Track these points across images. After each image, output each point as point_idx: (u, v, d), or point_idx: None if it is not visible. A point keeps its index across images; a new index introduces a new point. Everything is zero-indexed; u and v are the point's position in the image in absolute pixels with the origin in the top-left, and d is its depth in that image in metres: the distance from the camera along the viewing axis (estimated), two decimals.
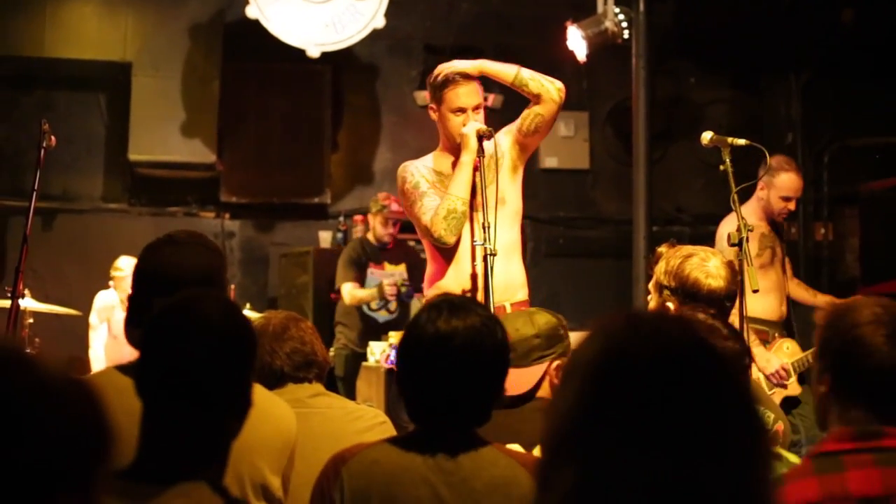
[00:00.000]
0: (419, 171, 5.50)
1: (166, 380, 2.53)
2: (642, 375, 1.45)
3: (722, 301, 4.20)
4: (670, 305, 4.18)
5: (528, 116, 5.55)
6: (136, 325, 3.13)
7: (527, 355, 3.83)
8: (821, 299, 7.36)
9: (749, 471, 1.46)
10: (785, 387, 6.47)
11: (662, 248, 4.39)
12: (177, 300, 2.68)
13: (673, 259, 4.25)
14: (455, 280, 5.37)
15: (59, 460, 1.54)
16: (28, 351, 1.71)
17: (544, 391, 3.85)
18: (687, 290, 4.16)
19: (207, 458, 2.53)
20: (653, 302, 4.31)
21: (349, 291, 8.95)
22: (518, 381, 3.74)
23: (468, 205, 5.33)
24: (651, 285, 4.37)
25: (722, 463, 1.43)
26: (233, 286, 9.81)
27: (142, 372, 2.58)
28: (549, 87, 5.51)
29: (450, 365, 2.92)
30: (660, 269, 4.28)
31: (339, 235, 10.43)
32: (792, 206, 6.99)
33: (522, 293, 5.54)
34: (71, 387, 1.65)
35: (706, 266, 4.19)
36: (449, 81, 5.42)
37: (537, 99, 5.51)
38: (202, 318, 2.61)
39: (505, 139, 5.56)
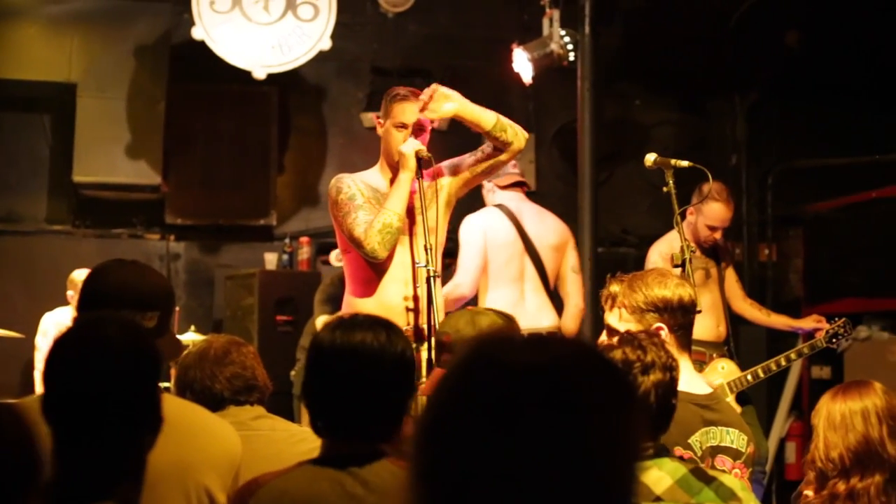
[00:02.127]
0: (356, 183, 5.47)
1: (67, 401, 2.54)
2: (508, 370, 1.48)
3: (694, 309, 4.18)
4: (663, 326, 4.08)
5: (487, 160, 5.51)
6: None
7: None
8: (774, 319, 7.40)
9: (612, 477, 1.49)
10: None
11: (615, 286, 4.31)
12: (75, 325, 2.70)
13: (637, 284, 4.14)
14: (379, 302, 5.32)
15: None
16: None
17: None
18: (668, 308, 4.07)
19: (118, 477, 2.52)
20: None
21: (322, 322, 8.90)
22: None
23: (403, 222, 5.30)
24: (616, 320, 4.20)
25: (582, 464, 1.45)
26: (177, 308, 9.73)
27: (46, 395, 2.59)
28: (521, 137, 5.45)
29: (346, 380, 2.92)
30: (631, 301, 4.13)
31: (285, 257, 10.38)
32: (717, 235, 7.01)
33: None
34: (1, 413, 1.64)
35: (668, 281, 4.13)
36: (399, 96, 5.39)
37: (506, 146, 5.43)
38: (101, 339, 2.62)
39: (447, 172, 5.51)
